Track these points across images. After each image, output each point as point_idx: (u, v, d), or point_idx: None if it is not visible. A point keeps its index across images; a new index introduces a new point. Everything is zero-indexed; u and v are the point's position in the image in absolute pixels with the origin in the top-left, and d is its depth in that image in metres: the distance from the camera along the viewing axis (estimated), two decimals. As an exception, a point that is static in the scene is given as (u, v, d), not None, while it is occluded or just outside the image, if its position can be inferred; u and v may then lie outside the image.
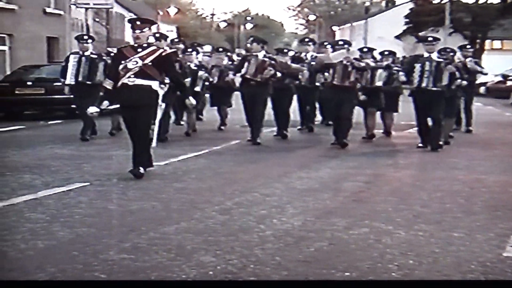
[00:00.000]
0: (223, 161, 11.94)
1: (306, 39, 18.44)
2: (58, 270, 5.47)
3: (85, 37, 15.02)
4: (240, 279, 5.38)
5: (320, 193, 9.04)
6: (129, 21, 10.28)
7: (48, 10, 30.90)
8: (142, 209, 7.94)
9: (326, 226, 7.15)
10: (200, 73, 15.55)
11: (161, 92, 9.91)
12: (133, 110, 9.75)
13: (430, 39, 13.73)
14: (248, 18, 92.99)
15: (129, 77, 9.68)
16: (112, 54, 13.45)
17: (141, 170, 9.85)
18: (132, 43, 10.22)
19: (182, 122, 16.83)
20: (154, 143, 9.99)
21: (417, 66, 13.29)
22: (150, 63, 9.76)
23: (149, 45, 10.00)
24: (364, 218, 7.53)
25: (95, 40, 15.43)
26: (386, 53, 15.95)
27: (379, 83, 14.84)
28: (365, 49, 15.98)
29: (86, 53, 14.46)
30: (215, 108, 17.49)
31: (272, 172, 10.82)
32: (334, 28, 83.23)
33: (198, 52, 17.19)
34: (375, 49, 16.72)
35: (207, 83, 16.26)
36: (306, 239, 6.62)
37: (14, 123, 18.19)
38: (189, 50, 16.18)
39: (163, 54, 10.04)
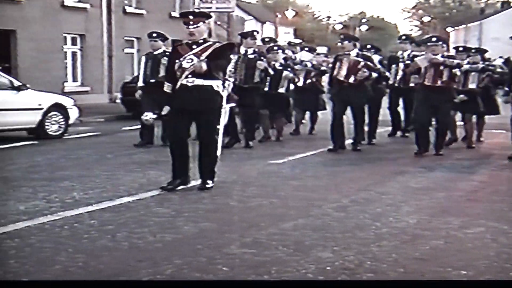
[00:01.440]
0: (338, 160, 11.89)
1: (403, 37, 16.16)
2: (184, 262, 5.57)
3: (154, 34, 13.56)
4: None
5: (435, 192, 8.90)
6: (181, 15, 8.93)
7: (173, 14, 31.53)
8: (261, 205, 8.00)
9: (441, 225, 7.03)
10: (285, 73, 14.24)
11: (224, 93, 8.93)
12: (194, 115, 8.65)
13: None
14: (363, 20, 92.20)
15: (187, 77, 8.56)
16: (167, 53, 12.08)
17: (209, 183, 8.80)
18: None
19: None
20: (219, 152, 8.96)
21: None
22: (206, 59, 8.55)
23: (205, 41, 8.74)
24: (480, 217, 7.37)
25: (167, 39, 13.78)
26: (473, 51, 14.36)
27: (472, 85, 13.39)
28: (460, 48, 14.45)
29: (157, 52, 13.35)
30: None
31: (387, 171, 10.71)
32: (449, 29, 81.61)
33: (284, 51, 15.78)
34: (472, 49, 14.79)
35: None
36: (422, 237, 6.53)
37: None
38: (275, 48, 14.75)
39: (218, 46, 8.79)
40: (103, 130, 16.86)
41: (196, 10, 9.00)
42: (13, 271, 5.32)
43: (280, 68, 14.18)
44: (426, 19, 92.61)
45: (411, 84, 13.78)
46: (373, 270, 5.46)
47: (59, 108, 15.45)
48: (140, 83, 13.69)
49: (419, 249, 6.13)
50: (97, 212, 7.46)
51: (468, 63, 13.41)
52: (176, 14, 31.91)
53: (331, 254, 5.89)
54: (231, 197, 8.49)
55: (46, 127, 15.15)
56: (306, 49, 16.89)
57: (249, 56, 13.30)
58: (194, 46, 8.66)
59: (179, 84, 8.60)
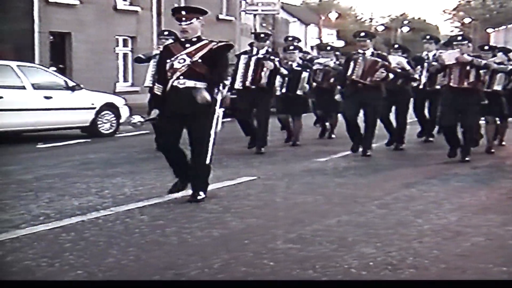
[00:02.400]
0: (381, 158, 11.83)
1: (428, 36, 14.54)
2: (231, 257, 5.58)
3: (166, 32, 12.39)
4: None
5: (476, 190, 8.80)
6: (173, 10, 7.95)
7: (220, 16, 31.71)
8: (306, 202, 7.99)
9: (482, 222, 6.95)
10: (304, 74, 13.19)
11: (218, 97, 7.86)
12: (186, 119, 7.73)
13: None
14: (405, 22, 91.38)
15: (177, 78, 7.68)
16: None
17: (200, 195, 7.87)
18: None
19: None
20: (207, 160, 7.86)
21: None
22: (199, 60, 7.68)
23: (199, 39, 7.80)
24: (521, 215, 7.29)
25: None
26: (497, 50, 13.18)
27: (498, 87, 12.11)
28: (486, 47, 13.12)
29: None
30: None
31: (429, 169, 10.63)
32: (489, 30, 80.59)
33: (301, 51, 14.74)
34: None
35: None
36: (463, 234, 6.46)
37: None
38: (291, 48, 13.68)
39: (214, 47, 7.78)
40: (152, 129, 16.89)
41: (190, 6, 7.30)
42: (70, 263, 5.39)
43: (299, 69, 13.21)
44: (467, 20, 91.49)
45: (437, 86, 12.76)
46: (415, 266, 5.42)
47: (111, 107, 15.64)
48: (148, 83, 12.06)
49: (461, 245, 6.06)
50: (148, 207, 7.52)
51: (494, 62, 11.96)
52: (223, 16, 32.08)
53: (374, 250, 5.86)
54: (277, 194, 8.49)
55: (99, 125, 15.35)
56: (328, 48, 15.45)
57: (258, 56, 12.22)
58: (187, 45, 7.78)
59: (169, 85, 7.75)
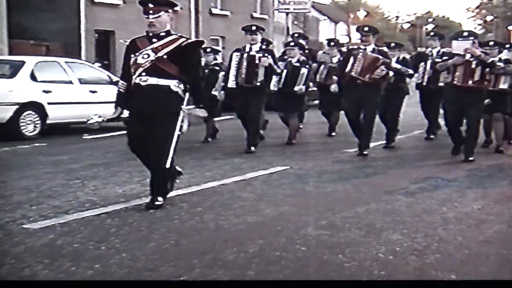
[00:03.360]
0: (407, 149, 11.81)
1: (432, 33, 13.43)
2: (265, 242, 5.59)
3: None
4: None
5: (499, 180, 8.74)
6: (140, 3, 6.89)
7: (255, 15, 31.71)
8: (336, 191, 7.97)
9: (505, 210, 6.91)
10: (303, 70, 12.14)
11: (185, 96, 6.95)
12: (148, 120, 6.82)
13: None
14: (430, 20, 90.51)
15: (140, 75, 6.80)
16: None
17: (159, 200, 6.87)
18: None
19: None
20: (167, 164, 6.90)
21: None
22: (165, 56, 6.79)
23: (168, 34, 6.92)
24: (542, 204, 7.21)
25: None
26: (507, 46, 12.19)
27: (504, 86, 11.21)
28: (491, 43, 11.72)
29: None
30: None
31: (453, 160, 10.53)
32: (510, 28, 79.56)
33: (301, 47, 13.20)
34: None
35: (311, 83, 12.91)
36: (486, 222, 6.41)
37: (226, 114, 18.64)
38: (291, 44, 12.75)
39: (183, 44, 6.90)
40: (190, 121, 16.91)
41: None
42: (115, 247, 5.44)
43: (297, 64, 12.18)
44: (489, 18, 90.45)
45: (441, 84, 11.95)
46: (439, 252, 5.39)
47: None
48: None
49: (484, 232, 6.02)
50: (187, 195, 7.55)
51: (500, 59, 10.97)
52: (257, 15, 32.06)
53: (401, 236, 5.84)
54: (308, 183, 8.48)
55: (140, 118, 15.41)
56: (332, 43, 14.15)
57: (251, 53, 11.21)
58: (154, 40, 6.86)
59: (133, 83, 6.88)
